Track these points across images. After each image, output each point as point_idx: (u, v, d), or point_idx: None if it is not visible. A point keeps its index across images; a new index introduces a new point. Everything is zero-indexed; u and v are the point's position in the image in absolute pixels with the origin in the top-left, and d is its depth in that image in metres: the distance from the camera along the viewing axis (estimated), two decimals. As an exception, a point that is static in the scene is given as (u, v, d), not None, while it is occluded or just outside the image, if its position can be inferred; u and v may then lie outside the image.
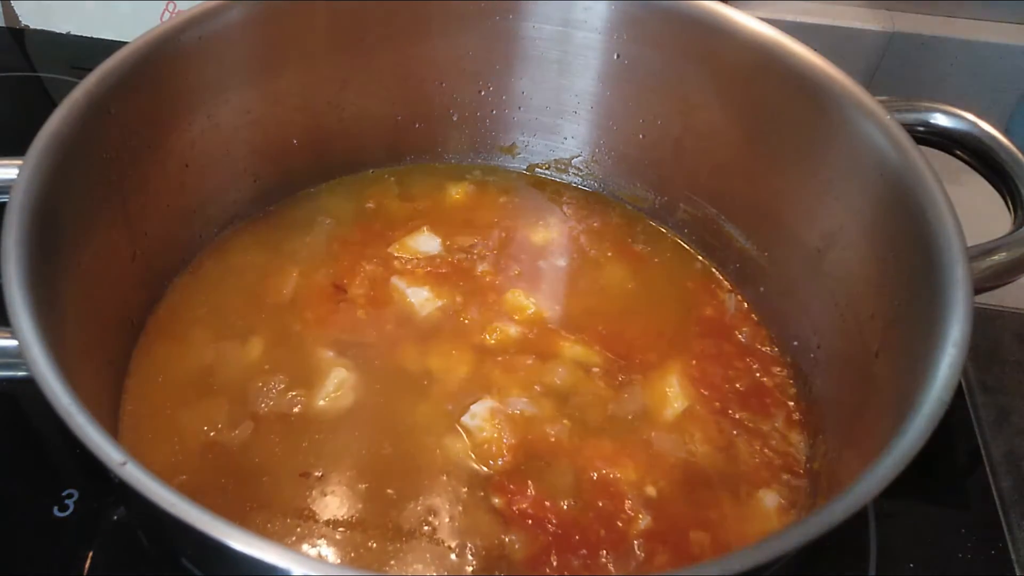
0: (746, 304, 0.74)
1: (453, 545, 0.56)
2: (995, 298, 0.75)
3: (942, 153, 0.64)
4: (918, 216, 0.56)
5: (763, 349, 0.70)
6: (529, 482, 0.59)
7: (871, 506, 0.65)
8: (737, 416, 0.65)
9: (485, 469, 0.60)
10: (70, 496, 0.61)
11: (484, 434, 0.61)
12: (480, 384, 0.65)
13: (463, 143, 0.83)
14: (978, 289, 0.53)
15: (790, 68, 0.65)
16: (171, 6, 0.96)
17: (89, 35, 1.01)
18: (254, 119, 0.71)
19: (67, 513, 0.61)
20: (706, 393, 0.66)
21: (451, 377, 0.65)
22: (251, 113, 0.71)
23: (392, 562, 0.55)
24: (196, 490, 0.55)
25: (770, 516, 0.60)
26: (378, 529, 0.57)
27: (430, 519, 0.57)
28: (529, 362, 0.66)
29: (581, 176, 0.83)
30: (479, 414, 0.62)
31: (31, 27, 1.02)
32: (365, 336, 0.68)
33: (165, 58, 0.62)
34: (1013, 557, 0.65)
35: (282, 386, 0.63)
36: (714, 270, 0.76)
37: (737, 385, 0.67)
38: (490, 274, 0.73)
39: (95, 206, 0.59)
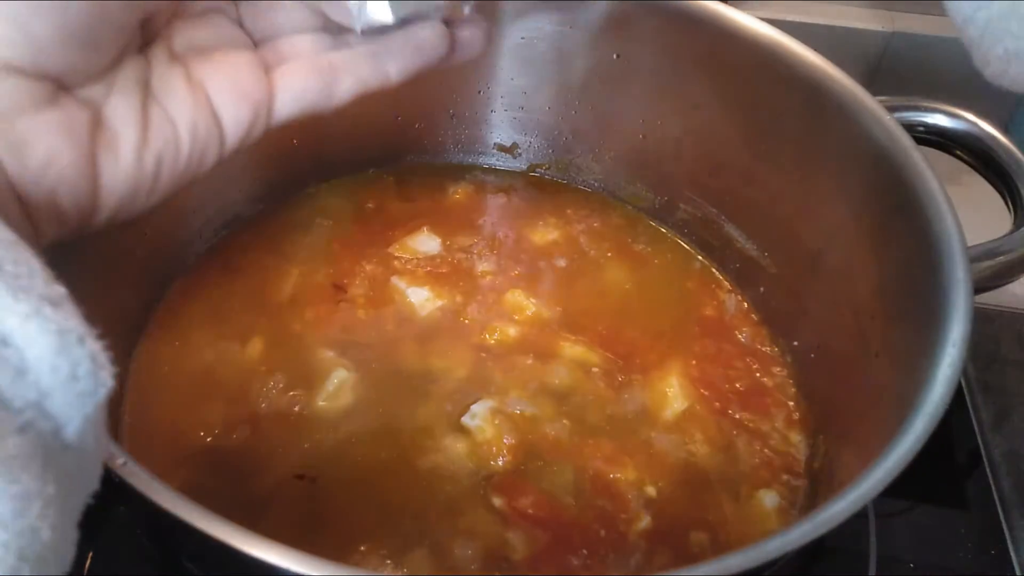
0: (746, 304, 0.74)
1: (453, 545, 0.56)
2: (995, 298, 0.75)
3: (942, 153, 0.64)
4: (918, 216, 0.56)
5: (763, 349, 0.70)
6: (529, 482, 0.59)
7: (871, 506, 0.65)
8: (737, 416, 0.65)
9: (485, 469, 0.60)
10: (70, 496, 0.61)
11: (484, 434, 0.61)
12: (480, 384, 0.65)
13: (463, 143, 0.83)
14: (978, 289, 0.53)
15: (790, 68, 0.65)
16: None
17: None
18: (254, 119, 0.71)
19: (67, 513, 0.61)
20: (706, 393, 0.66)
21: (451, 377, 0.65)
22: (251, 113, 0.71)
23: (393, 562, 0.55)
24: (196, 489, 0.55)
25: (770, 516, 0.60)
26: (378, 528, 0.57)
27: (430, 519, 0.57)
28: (529, 362, 0.66)
29: (581, 176, 0.83)
30: (479, 414, 0.62)
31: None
32: (365, 336, 0.68)
33: (165, 58, 0.62)
34: (1013, 557, 0.65)
35: (282, 386, 0.63)
36: (714, 270, 0.76)
37: (737, 385, 0.67)
38: (490, 274, 0.73)
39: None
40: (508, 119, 0.81)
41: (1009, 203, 0.62)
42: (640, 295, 0.73)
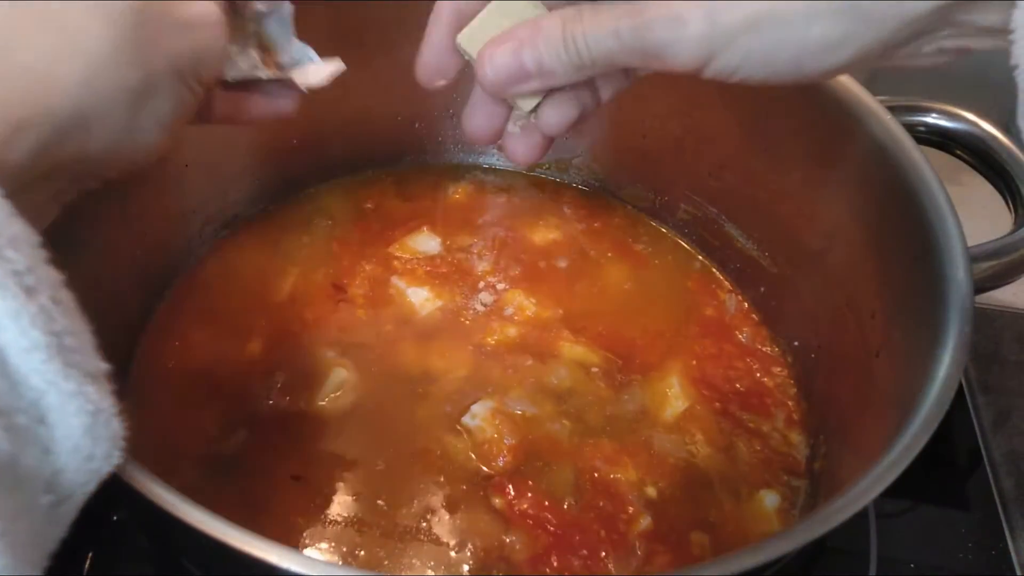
0: (746, 304, 0.74)
1: (453, 545, 0.56)
2: (995, 298, 0.76)
3: (943, 153, 0.64)
4: (919, 216, 0.56)
5: (763, 349, 0.70)
6: (529, 482, 0.59)
7: (871, 506, 0.65)
8: (737, 416, 0.65)
9: (485, 469, 0.60)
10: (70, 496, 0.61)
11: (484, 434, 0.61)
12: (480, 384, 0.65)
13: (463, 143, 0.83)
14: (978, 289, 0.53)
15: (790, 68, 0.65)
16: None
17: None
18: (254, 119, 0.72)
19: (67, 513, 0.61)
20: (706, 393, 0.66)
21: (451, 377, 0.65)
22: (251, 113, 0.71)
23: (392, 562, 0.55)
24: (196, 489, 0.55)
25: (770, 516, 0.60)
26: (378, 529, 0.57)
27: (430, 519, 0.57)
28: (529, 362, 0.66)
29: (581, 176, 0.83)
30: (479, 414, 0.62)
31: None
32: (365, 336, 0.68)
33: (165, 58, 0.62)
34: (1014, 557, 0.65)
35: (281, 385, 0.63)
36: (714, 270, 0.76)
37: (737, 385, 0.67)
38: (490, 274, 0.73)
39: (96, 206, 0.59)
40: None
41: (1009, 203, 0.62)
42: (640, 295, 0.73)
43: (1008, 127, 1.02)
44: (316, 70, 0.51)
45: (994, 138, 0.62)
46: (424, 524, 0.57)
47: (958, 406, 0.73)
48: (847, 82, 0.62)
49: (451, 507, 0.58)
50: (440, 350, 0.67)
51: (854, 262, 0.63)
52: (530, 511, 0.58)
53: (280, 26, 0.50)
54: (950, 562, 0.65)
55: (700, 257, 0.77)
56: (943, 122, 0.64)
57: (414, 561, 0.56)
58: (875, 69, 1.00)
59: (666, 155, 0.76)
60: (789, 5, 0.36)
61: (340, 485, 0.59)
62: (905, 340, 0.55)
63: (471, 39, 0.43)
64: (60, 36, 0.35)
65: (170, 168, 0.67)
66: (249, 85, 0.50)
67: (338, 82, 0.77)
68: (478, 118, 0.46)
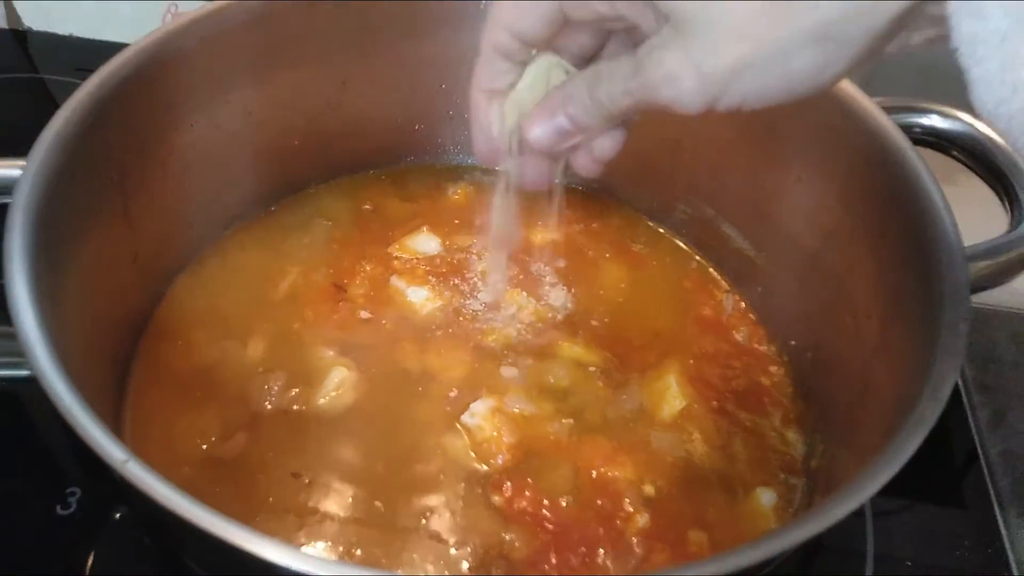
0: (744, 304, 0.74)
1: (452, 543, 0.57)
2: (992, 298, 0.76)
3: (939, 153, 0.65)
4: (915, 217, 0.56)
5: (760, 348, 0.71)
6: (528, 481, 0.59)
7: (868, 505, 0.65)
8: (735, 415, 0.65)
9: (484, 468, 0.60)
10: (73, 494, 0.62)
11: (484, 433, 0.62)
12: (479, 383, 0.65)
13: (462, 143, 0.83)
14: (975, 289, 0.54)
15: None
16: (172, 8, 0.96)
17: (91, 37, 1.01)
18: (255, 120, 0.72)
19: (70, 511, 0.61)
20: (704, 392, 0.66)
21: (451, 376, 0.65)
22: (252, 114, 0.71)
23: (391, 559, 0.56)
24: (198, 488, 0.55)
25: (767, 515, 0.60)
26: (378, 527, 0.57)
27: (429, 516, 0.58)
28: (528, 362, 0.67)
29: (580, 177, 0.82)
30: (479, 413, 0.63)
31: (34, 29, 1.03)
32: (365, 336, 0.68)
33: (166, 60, 0.63)
34: (1010, 556, 0.65)
35: (282, 385, 0.64)
36: (712, 270, 0.77)
37: (735, 384, 0.67)
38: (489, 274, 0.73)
39: (97, 206, 0.59)
40: (507, 120, 0.81)
41: (1005, 203, 0.62)
42: (638, 295, 0.74)
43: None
44: None
45: (990, 139, 0.63)
46: (423, 522, 0.57)
47: (954, 405, 0.73)
48: (843, 83, 0.62)
49: (450, 505, 0.58)
50: (440, 349, 0.67)
51: (851, 262, 0.63)
52: (529, 509, 0.58)
53: None
54: (946, 560, 0.65)
55: (697, 257, 0.78)
56: (939, 123, 0.64)
57: (413, 558, 0.56)
58: (872, 70, 1.00)
59: (664, 156, 0.76)
60: (761, 49, 0.38)
61: (340, 483, 0.59)
62: (902, 339, 0.55)
63: (515, 103, 0.49)
64: None
65: (171, 169, 0.67)
66: None
67: (338, 83, 0.78)
68: (535, 166, 0.52)
